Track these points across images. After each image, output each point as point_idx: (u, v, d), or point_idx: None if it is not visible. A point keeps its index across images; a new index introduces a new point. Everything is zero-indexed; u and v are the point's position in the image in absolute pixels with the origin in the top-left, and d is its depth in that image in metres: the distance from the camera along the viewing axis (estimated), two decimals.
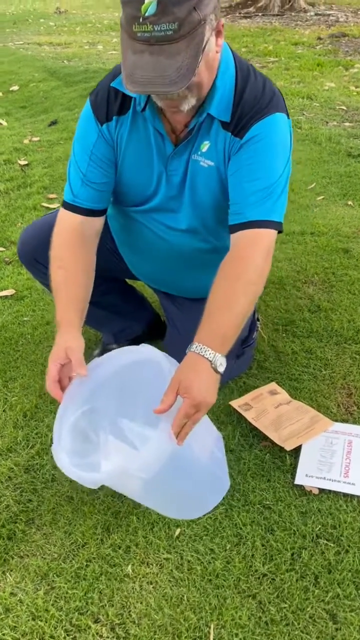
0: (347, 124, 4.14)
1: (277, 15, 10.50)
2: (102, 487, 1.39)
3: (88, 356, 1.82)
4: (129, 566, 1.21)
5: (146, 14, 0.98)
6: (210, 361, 1.09)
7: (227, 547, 1.23)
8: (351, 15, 10.68)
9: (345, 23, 9.59)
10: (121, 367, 1.23)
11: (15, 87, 5.74)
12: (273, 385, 1.66)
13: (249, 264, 1.19)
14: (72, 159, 1.38)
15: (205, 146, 1.27)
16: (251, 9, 10.61)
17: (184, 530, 1.28)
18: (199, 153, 1.28)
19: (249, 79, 1.23)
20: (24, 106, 5.22)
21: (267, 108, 1.22)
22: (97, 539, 1.27)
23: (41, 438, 1.56)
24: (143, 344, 1.21)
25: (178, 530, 1.27)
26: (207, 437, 1.25)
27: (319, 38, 7.93)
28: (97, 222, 1.38)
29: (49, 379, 1.18)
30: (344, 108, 4.51)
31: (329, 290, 2.14)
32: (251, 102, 1.21)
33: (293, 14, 10.74)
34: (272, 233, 1.22)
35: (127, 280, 1.83)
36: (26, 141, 4.19)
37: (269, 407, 1.56)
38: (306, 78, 5.47)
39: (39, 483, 1.42)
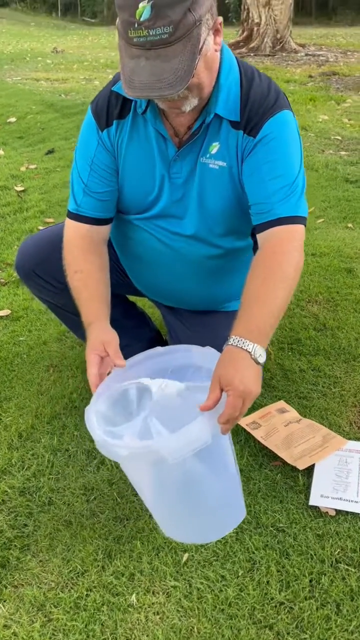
0: (342, 152, 4.18)
1: (269, 55, 10.81)
2: (103, 511, 1.30)
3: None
4: (133, 595, 1.11)
5: (141, 19, 0.98)
6: (250, 352, 1.04)
7: (240, 573, 1.14)
8: (340, 55, 11.03)
9: (335, 63, 9.88)
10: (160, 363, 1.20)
11: (13, 119, 5.79)
12: (282, 404, 1.59)
13: (284, 259, 1.15)
14: (74, 169, 1.35)
15: (215, 148, 1.24)
16: (244, 50, 10.93)
17: (192, 556, 1.18)
18: (208, 155, 1.25)
19: (254, 79, 1.22)
20: (21, 137, 5.25)
21: (276, 106, 1.21)
22: (98, 565, 1.18)
23: (37, 459, 1.47)
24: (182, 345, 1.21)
25: (186, 556, 1.18)
26: (232, 455, 1.17)
27: (310, 76, 8.14)
28: (104, 230, 1.37)
29: (92, 367, 1.15)
30: (339, 138, 4.57)
31: (333, 309, 2.10)
32: (259, 100, 1.20)
33: (284, 54, 11.08)
34: (301, 228, 1.21)
35: (128, 297, 1.78)
36: (23, 169, 4.19)
37: (279, 426, 1.48)
38: (300, 111, 5.57)
39: (34, 506, 1.33)
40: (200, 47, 1.03)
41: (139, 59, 1.02)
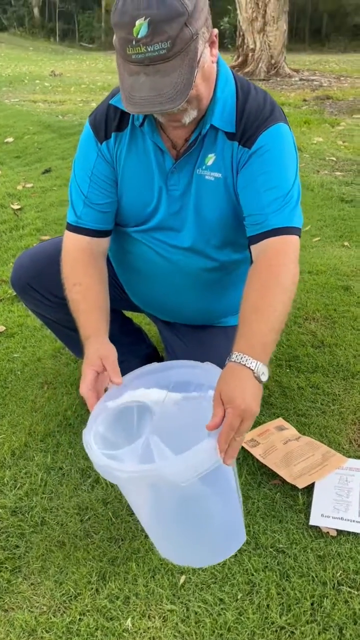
0: (337, 173, 4.22)
1: (264, 80, 11.00)
2: (98, 531, 1.26)
3: None
4: (128, 619, 1.07)
5: (138, 36, 0.98)
6: (253, 370, 1.01)
7: (239, 596, 1.10)
8: (334, 80, 11.24)
9: (329, 87, 10.06)
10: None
11: (10, 139, 5.83)
12: (280, 421, 1.56)
13: (280, 270, 1.14)
14: (72, 181, 1.35)
15: (211, 159, 1.23)
16: (239, 74, 11.13)
17: (190, 578, 1.14)
18: (204, 167, 1.24)
19: (249, 91, 1.23)
20: (19, 156, 5.28)
21: (271, 118, 1.21)
22: (92, 588, 1.13)
23: (30, 478, 1.43)
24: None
25: (183, 578, 1.14)
26: (234, 478, 1.14)
27: (305, 100, 8.28)
28: (104, 243, 1.36)
29: (86, 383, 1.13)
30: (334, 159, 4.62)
31: (331, 326, 2.08)
32: (254, 112, 1.20)
33: (279, 79, 11.28)
34: (296, 239, 1.19)
35: (124, 312, 1.76)
36: (19, 187, 4.20)
37: (277, 443, 1.45)
38: (295, 133, 5.56)
39: (27, 527, 1.29)
40: (198, 60, 1.04)
41: (138, 76, 1.02)
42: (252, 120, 1.19)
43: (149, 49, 0.99)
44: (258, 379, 1.02)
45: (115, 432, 1.12)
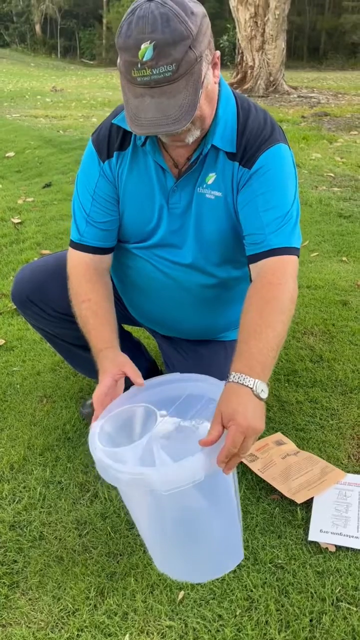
0: (335, 188, 4.26)
1: (262, 96, 11.12)
2: (96, 546, 1.26)
3: (81, 405, 1.74)
4: (127, 636, 1.06)
5: (144, 59, 1.00)
6: (252, 388, 1.02)
7: (238, 613, 1.09)
8: (331, 97, 11.37)
9: (327, 104, 10.17)
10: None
11: (11, 154, 5.88)
12: (279, 435, 1.56)
13: (279, 290, 1.15)
14: (75, 198, 1.37)
15: (211, 178, 1.25)
16: (238, 91, 11.25)
17: (188, 594, 1.14)
18: (205, 186, 1.26)
19: (250, 111, 1.25)
20: (19, 170, 5.32)
21: (272, 138, 1.23)
22: (90, 604, 1.13)
23: (29, 492, 1.43)
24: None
25: (181, 594, 1.14)
26: (234, 494, 1.14)
27: (303, 116, 8.36)
28: (107, 259, 1.39)
29: (101, 388, 1.15)
30: (332, 175, 4.66)
31: (329, 340, 2.09)
32: (255, 132, 1.22)
33: (277, 95, 11.41)
34: (295, 259, 1.21)
35: (123, 326, 1.76)
36: (20, 201, 4.23)
37: (276, 458, 1.45)
38: (293, 149, 5.62)
39: (25, 542, 1.28)
40: (202, 81, 1.06)
41: (143, 98, 1.04)
42: (252, 140, 1.21)
43: (155, 72, 1.01)
44: (258, 396, 1.02)
45: (120, 433, 1.13)
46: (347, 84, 15.67)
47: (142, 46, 0.99)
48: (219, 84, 1.21)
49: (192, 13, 1.02)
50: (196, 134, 1.16)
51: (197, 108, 1.05)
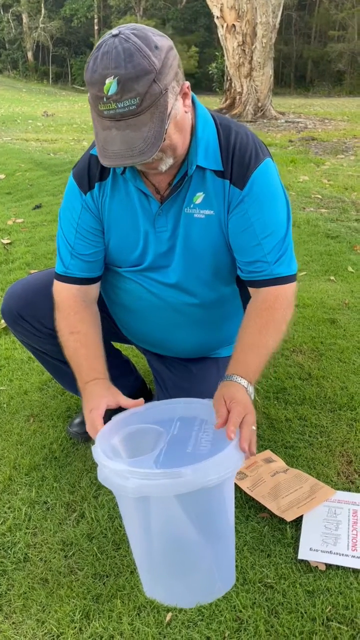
0: (323, 210, 4.31)
1: (251, 121, 11.32)
2: (82, 567, 1.23)
3: (69, 424, 1.72)
4: None
5: (109, 93, 1.02)
6: (245, 387, 1.16)
7: (226, 634, 1.07)
8: (318, 123, 11.60)
9: (314, 129, 10.38)
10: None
11: (2, 176, 5.92)
12: (268, 453, 1.55)
13: (277, 314, 1.25)
14: (59, 233, 1.38)
15: (199, 198, 1.26)
16: (227, 116, 11.46)
17: (176, 615, 1.11)
18: (192, 206, 1.27)
19: (230, 128, 1.26)
20: (10, 192, 5.35)
21: (257, 155, 1.24)
22: (75, 627, 1.10)
23: (14, 512, 1.40)
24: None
25: (169, 616, 1.11)
26: (228, 517, 1.13)
27: (291, 141, 8.52)
28: (93, 289, 1.40)
29: (99, 411, 1.16)
30: (319, 197, 4.72)
31: (318, 358, 2.09)
32: (241, 149, 1.23)
33: (265, 120, 11.63)
34: (294, 285, 1.31)
35: (113, 343, 1.75)
36: (10, 222, 4.24)
37: (265, 476, 1.44)
38: (281, 172, 5.77)
39: (9, 564, 1.25)
40: (168, 113, 1.08)
41: (110, 130, 1.06)
42: (240, 158, 1.22)
43: (119, 105, 1.03)
44: (249, 396, 1.16)
45: (127, 446, 1.13)
46: (334, 110, 16.00)
47: (107, 81, 1.01)
48: (195, 105, 1.23)
49: (156, 47, 1.03)
50: (169, 162, 1.17)
51: (163, 139, 1.07)
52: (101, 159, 1.09)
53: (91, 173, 1.29)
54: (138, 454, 1.08)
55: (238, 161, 1.22)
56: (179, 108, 1.12)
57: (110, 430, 1.13)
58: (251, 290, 1.32)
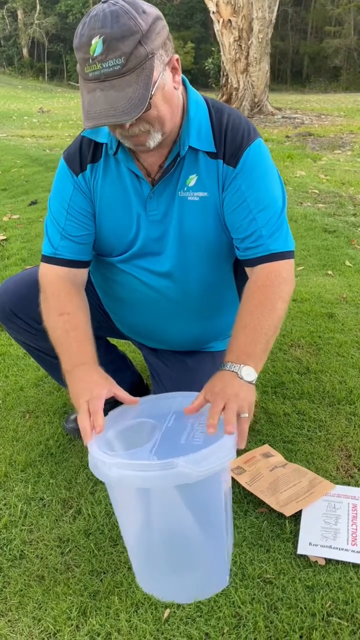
0: (320, 205, 4.29)
1: (247, 117, 11.27)
2: (79, 564, 1.22)
3: (65, 420, 1.70)
4: None
5: (94, 54, 1.02)
6: (236, 372, 1.11)
7: (225, 630, 1.05)
8: (315, 118, 11.56)
9: (310, 125, 10.35)
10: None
11: None
12: (266, 448, 1.53)
13: (270, 292, 1.21)
14: (48, 216, 1.34)
15: (192, 180, 1.24)
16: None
17: (174, 612, 1.10)
18: (186, 189, 1.25)
19: (223, 110, 1.24)
20: (5, 189, 5.32)
21: (250, 134, 1.23)
22: (72, 625, 1.08)
23: (9, 509, 1.38)
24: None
25: (167, 612, 1.10)
26: (224, 514, 1.11)
27: (287, 136, 8.49)
28: (82, 273, 1.34)
29: (101, 399, 1.10)
30: (317, 192, 4.70)
31: (316, 353, 2.08)
32: (234, 129, 1.22)
33: (262, 116, 11.59)
34: (291, 262, 1.26)
35: (109, 339, 1.74)
36: (5, 219, 4.21)
37: (264, 471, 1.42)
38: (278, 167, 5.73)
39: (5, 561, 1.24)
40: (154, 79, 1.06)
41: (94, 92, 1.05)
42: (232, 137, 1.21)
43: (104, 65, 1.02)
44: (242, 379, 1.10)
45: (122, 441, 1.11)
46: (330, 105, 15.97)
47: (93, 41, 1.02)
48: (186, 88, 1.22)
49: (144, 12, 1.04)
50: (157, 137, 1.15)
51: (147, 102, 1.04)
52: (85, 122, 1.07)
53: (83, 155, 1.27)
54: (133, 448, 1.07)
55: (230, 140, 1.21)
56: (167, 79, 1.11)
57: (105, 425, 1.12)
58: (248, 271, 1.28)
